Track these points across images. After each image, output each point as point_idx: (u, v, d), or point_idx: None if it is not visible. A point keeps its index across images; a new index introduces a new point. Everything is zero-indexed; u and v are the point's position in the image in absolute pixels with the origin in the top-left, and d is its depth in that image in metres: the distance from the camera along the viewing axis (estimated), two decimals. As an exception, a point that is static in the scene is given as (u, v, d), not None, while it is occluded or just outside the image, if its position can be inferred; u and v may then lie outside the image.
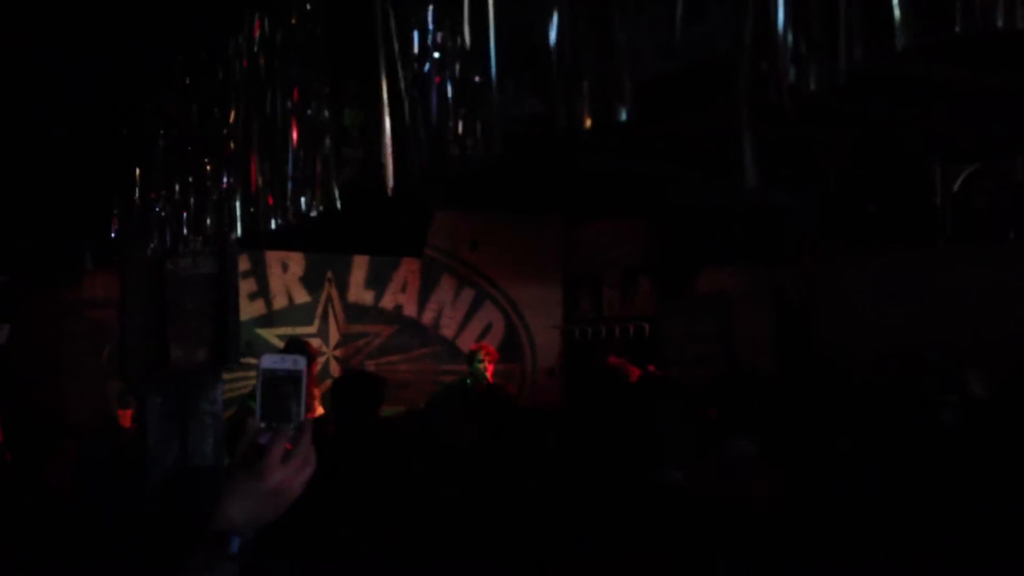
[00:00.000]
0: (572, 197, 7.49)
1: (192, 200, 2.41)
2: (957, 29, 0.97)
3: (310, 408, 4.80)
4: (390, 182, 1.56)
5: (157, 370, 3.11)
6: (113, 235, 3.06)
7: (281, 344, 7.41)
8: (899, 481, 3.84)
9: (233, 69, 2.10)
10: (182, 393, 3.12)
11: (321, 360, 7.55)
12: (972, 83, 5.14)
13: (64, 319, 6.57)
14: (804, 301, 7.09)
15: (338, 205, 1.77)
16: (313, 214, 1.85)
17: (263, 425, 1.38)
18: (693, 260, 7.52)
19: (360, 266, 7.72)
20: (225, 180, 2.21)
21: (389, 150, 1.55)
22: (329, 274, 7.60)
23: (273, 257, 7.37)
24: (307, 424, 1.41)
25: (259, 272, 7.36)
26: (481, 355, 6.60)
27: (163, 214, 2.61)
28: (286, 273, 7.48)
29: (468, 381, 6.66)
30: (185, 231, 2.47)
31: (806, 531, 3.26)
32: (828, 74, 1.07)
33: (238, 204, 2.16)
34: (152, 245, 2.71)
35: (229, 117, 2.14)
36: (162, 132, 2.55)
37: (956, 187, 6.08)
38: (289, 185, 1.88)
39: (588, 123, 1.26)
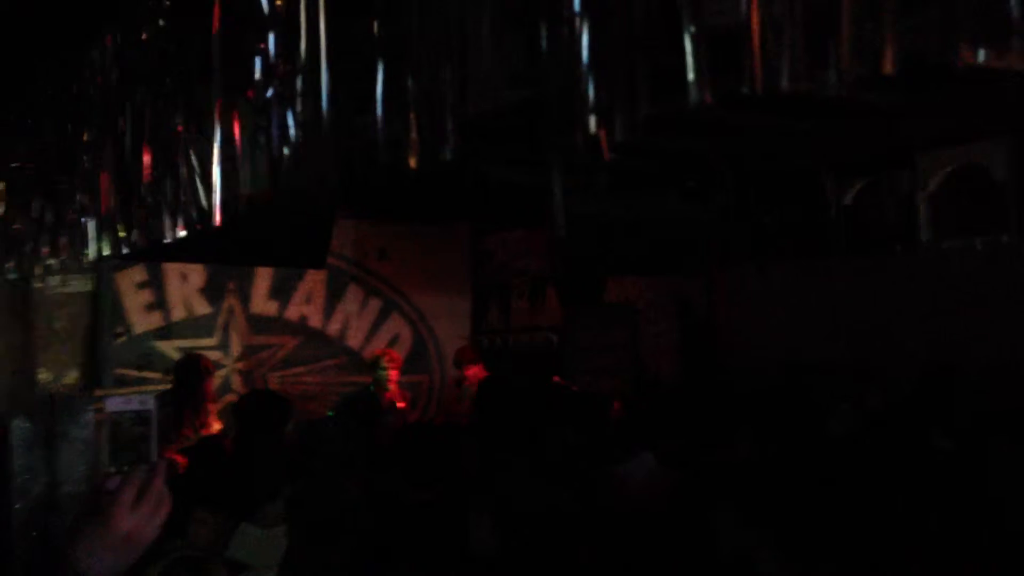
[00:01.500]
0: (480, 207, 7.48)
1: (46, 219, 2.31)
2: (745, 90, 0.98)
3: (205, 424, 4.66)
4: (216, 212, 1.51)
5: (22, 392, 2.96)
6: (-25, 253, 2.91)
7: (180, 356, 7.20)
8: (783, 489, 3.90)
9: (86, 85, 2.01)
10: (50, 417, 2.98)
11: (222, 373, 7.37)
12: (862, 101, 5.31)
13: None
14: (708, 311, 7.21)
15: (186, 231, 1.71)
16: (167, 239, 1.78)
17: (112, 469, 1.33)
18: (599, 271, 7.58)
19: (263, 277, 7.56)
20: (79, 200, 2.12)
21: (217, 177, 1.50)
22: (231, 285, 7.42)
23: (171, 268, 7.16)
24: (160, 465, 1.36)
25: (156, 283, 7.14)
26: (384, 361, 6.50)
27: (21, 232, 2.49)
28: (185, 284, 7.27)
29: (371, 388, 6.56)
30: (43, 251, 2.36)
31: (703, 540, 3.28)
32: (628, 124, 1.06)
33: (92, 226, 2.07)
34: (9, 264, 2.58)
35: (83, 135, 2.06)
36: (20, 146, 2.43)
37: (848, 200, 6.25)
38: (142, 209, 1.81)
39: (413, 163, 1.24)
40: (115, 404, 1.36)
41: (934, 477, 3.89)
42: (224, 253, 6.03)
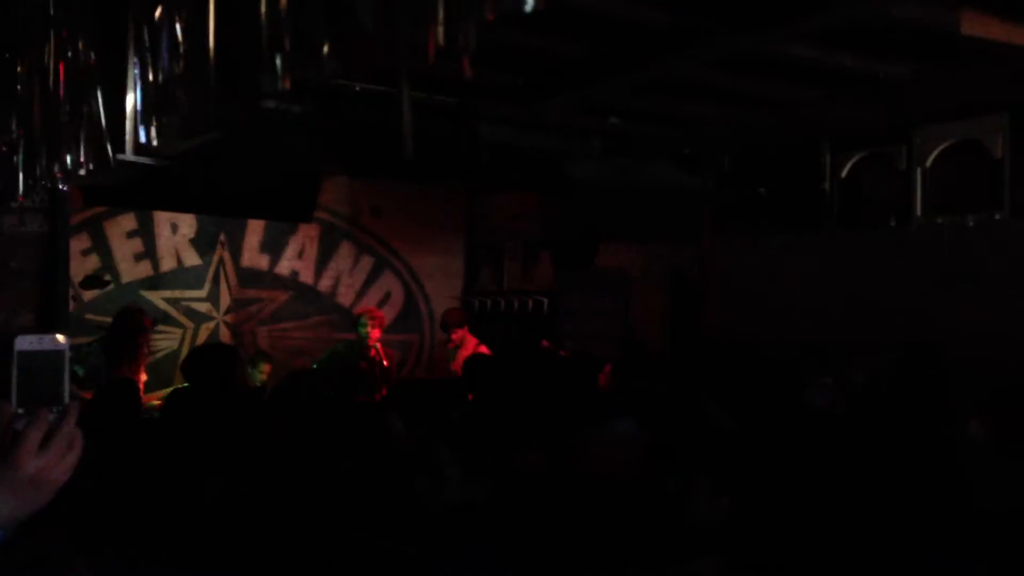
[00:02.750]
0: (474, 167, 7.40)
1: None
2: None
3: (135, 374, 4.65)
4: (129, 144, 1.46)
5: (-25, 332, 2.92)
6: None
7: (168, 308, 7.20)
8: (766, 460, 3.86)
9: (18, 15, 1.94)
10: (4, 358, 2.94)
11: (210, 325, 7.37)
12: (863, 71, 5.21)
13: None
14: (699, 281, 7.15)
15: (111, 162, 1.66)
16: (81, 172, 1.73)
17: (20, 410, 1.29)
18: (593, 236, 7.51)
19: (255, 230, 7.52)
20: (13, 131, 2.06)
21: (136, 108, 1.44)
22: (221, 237, 7.38)
23: (161, 217, 7.13)
24: (72, 407, 1.32)
25: (146, 232, 7.12)
26: (365, 319, 6.46)
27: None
28: (176, 234, 7.24)
29: (355, 345, 6.52)
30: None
31: (676, 507, 3.24)
32: (475, 31, 1.00)
33: (20, 159, 2.01)
34: (-42, 199, 2.54)
35: (16, 65, 2.00)
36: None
37: (844, 173, 6.15)
38: (58, 140, 1.75)
39: (287, 83, 1.18)
40: (24, 344, 1.32)
41: (913, 453, 3.85)
42: (212, 204, 5.99)
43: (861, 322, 5.78)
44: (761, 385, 5.09)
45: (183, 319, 7.23)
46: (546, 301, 7.70)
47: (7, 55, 2.01)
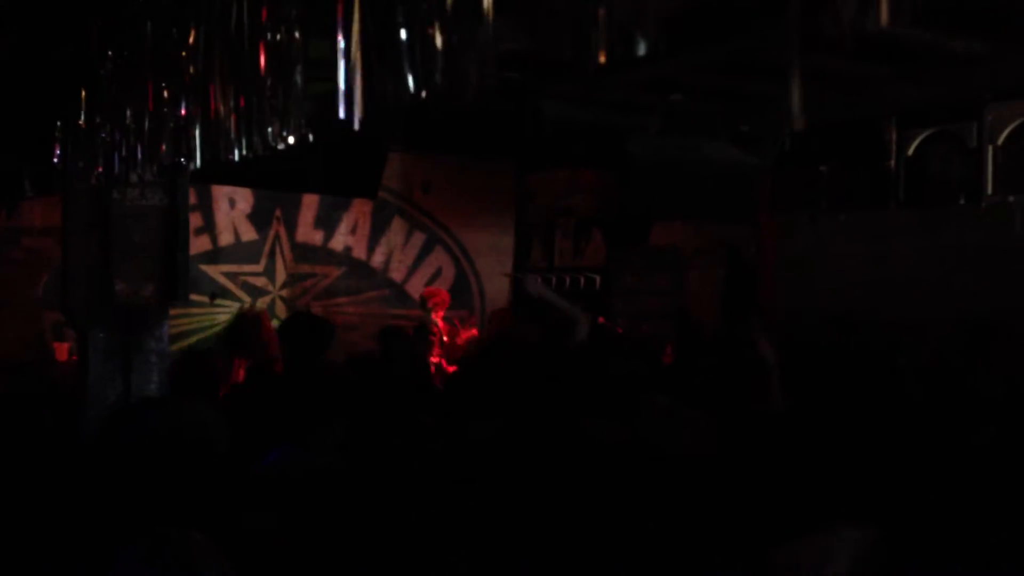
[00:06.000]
0: (529, 143, 7.39)
1: (146, 127, 2.28)
2: None
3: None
4: (357, 116, 1.47)
5: (100, 304, 2.97)
6: (55, 161, 2.90)
7: (227, 282, 7.26)
8: (847, 441, 3.87)
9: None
10: (126, 328, 3.00)
11: (266, 299, 7.43)
12: (936, 46, 5.15)
13: (-1, 247, 6.34)
14: (756, 260, 7.13)
15: (309, 137, 1.68)
16: (281, 146, 1.75)
17: None
18: (647, 213, 7.49)
19: (310, 205, 7.55)
20: (184, 107, 2.09)
21: (358, 83, 1.45)
22: (277, 212, 7.43)
23: (220, 192, 7.17)
24: None
25: (205, 207, 7.16)
26: (429, 303, 6.54)
27: (110, 140, 2.46)
28: (233, 209, 7.29)
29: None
30: (139, 158, 2.34)
31: (736, 490, 3.24)
32: (898, 9, 1.00)
33: (197, 133, 2.04)
34: (98, 173, 2.56)
35: (188, 39, 2.02)
36: (111, 52, 2.39)
37: (911, 151, 6.11)
38: (254, 115, 1.77)
39: (603, 58, 1.19)
40: None
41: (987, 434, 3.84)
42: (279, 178, 6.01)
43: (925, 302, 5.77)
44: (834, 366, 5.07)
45: (241, 293, 7.29)
46: (598, 279, 7.71)
47: (175, 30, 2.04)
